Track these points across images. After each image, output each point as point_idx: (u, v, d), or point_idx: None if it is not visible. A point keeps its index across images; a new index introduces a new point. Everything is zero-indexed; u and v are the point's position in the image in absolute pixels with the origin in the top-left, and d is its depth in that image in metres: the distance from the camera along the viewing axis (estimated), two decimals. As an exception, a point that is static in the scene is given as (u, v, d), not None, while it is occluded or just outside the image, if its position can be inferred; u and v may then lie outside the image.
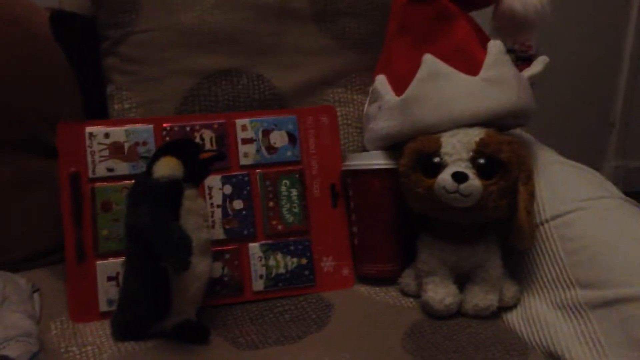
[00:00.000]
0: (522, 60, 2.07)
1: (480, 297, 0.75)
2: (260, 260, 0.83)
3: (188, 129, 0.84)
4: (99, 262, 0.78)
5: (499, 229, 0.77)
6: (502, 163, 0.71)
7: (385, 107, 0.82)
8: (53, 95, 0.90)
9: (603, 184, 0.79)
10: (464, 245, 0.76)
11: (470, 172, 0.70)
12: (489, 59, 0.78)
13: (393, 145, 0.83)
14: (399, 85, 0.81)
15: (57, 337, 0.72)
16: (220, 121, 0.85)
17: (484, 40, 0.81)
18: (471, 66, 0.78)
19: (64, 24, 0.94)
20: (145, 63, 0.90)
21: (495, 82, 0.77)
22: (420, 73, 0.78)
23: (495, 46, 0.79)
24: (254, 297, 0.82)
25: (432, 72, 0.77)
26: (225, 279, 0.81)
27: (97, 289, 0.78)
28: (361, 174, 0.83)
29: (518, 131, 0.90)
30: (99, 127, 0.82)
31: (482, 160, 0.71)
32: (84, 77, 0.94)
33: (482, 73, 0.77)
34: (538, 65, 0.87)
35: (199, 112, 0.89)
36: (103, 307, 0.77)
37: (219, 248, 0.81)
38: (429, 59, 0.78)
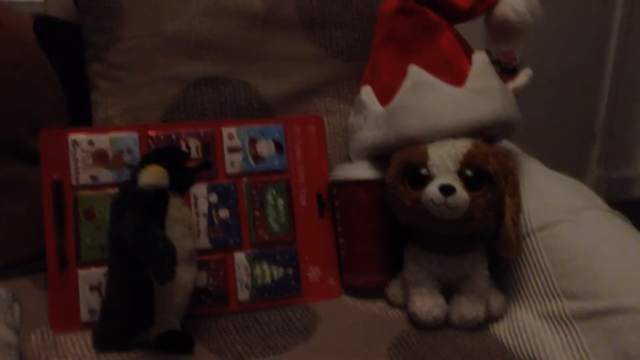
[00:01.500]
0: (506, 71, 2.09)
1: (467, 308, 0.74)
2: (246, 270, 0.82)
3: (174, 137, 0.83)
4: (81, 271, 0.77)
5: (486, 239, 0.77)
6: (489, 175, 0.71)
7: (371, 117, 0.82)
8: (36, 100, 0.89)
9: (589, 195, 0.79)
10: (451, 256, 0.76)
11: (458, 184, 0.70)
12: (473, 69, 0.78)
13: (378, 156, 0.82)
14: (385, 96, 0.81)
15: (38, 348, 0.70)
16: (206, 129, 0.84)
17: (468, 52, 0.82)
18: (456, 77, 0.78)
19: (49, 30, 0.92)
20: (130, 70, 0.89)
21: (481, 93, 0.77)
22: (406, 83, 0.78)
23: (479, 57, 0.80)
24: (240, 307, 0.81)
25: (418, 82, 0.78)
26: (211, 288, 0.81)
27: (78, 298, 0.76)
28: (347, 185, 0.83)
29: (504, 142, 0.91)
30: (82, 134, 0.81)
31: (469, 172, 0.71)
32: (68, 83, 0.93)
33: (468, 84, 0.77)
34: (522, 78, 0.88)
35: (185, 119, 0.89)
36: (85, 317, 0.76)
37: (204, 257, 0.80)
38: (414, 70, 0.78)
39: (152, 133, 0.83)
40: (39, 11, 0.98)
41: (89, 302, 0.76)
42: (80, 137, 0.80)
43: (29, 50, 0.89)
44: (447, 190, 0.69)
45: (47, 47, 0.91)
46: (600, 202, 0.78)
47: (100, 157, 0.80)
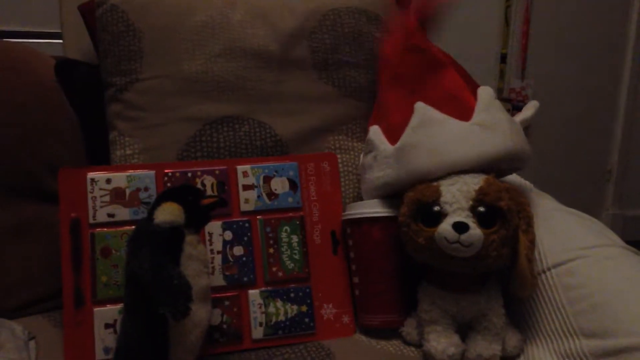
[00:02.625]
0: (518, 109, 2.10)
1: (484, 347, 0.74)
2: (260, 308, 0.82)
3: (189, 174, 0.84)
4: (96, 308, 0.78)
5: (501, 276, 0.77)
6: (502, 211, 0.70)
7: (381, 156, 0.82)
8: (55, 141, 0.91)
9: (604, 231, 0.79)
10: (466, 294, 0.75)
11: (471, 222, 0.70)
12: (480, 104, 0.79)
13: (390, 195, 0.83)
14: (393, 134, 0.82)
15: (52, 386, 0.70)
16: (221, 167, 0.86)
17: (474, 87, 0.82)
18: (463, 112, 0.78)
19: (69, 72, 0.95)
20: (148, 110, 0.91)
21: (488, 127, 0.77)
22: (413, 121, 0.79)
23: (485, 91, 0.80)
24: (253, 345, 0.81)
25: (425, 119, 0.78)
26: (225, 326, 0.80)
27: (94, 336, 0.77)
28: (361, 223, 0.83)
29: (517, 178, 0.91)
30: (100, 172, 0.82)
31: (482, 209, 0.71)
32: (87, 123, 0.95)
33: (474, 118, 0.78)
34: (529, 110, 0.88)
35: (201, 158, 0.90)
36: (100, 355, 0.76)
37: (218, 295, 0.81)
38: (420, 107, 0.79)
39: (168, 171, 0.84)
40: (60, 53, 1.01)
41: (104, 340, 0.76)
42: (98, 175, 0.82)
43: (49, 92, 0.92)
44: (460, 227, 0.69)
45: (67, 88, 0.93)
46: (615, 238, 0.78)
47: (117, 195, 0.81)
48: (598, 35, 2.20)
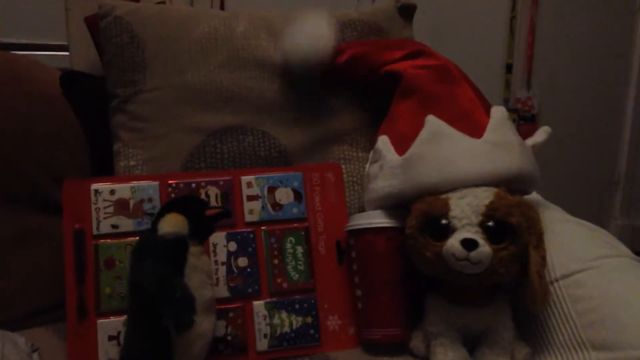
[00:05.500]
0: (524, 119, 2.09)
1: (492, 360, 0.73)
2: (265, 319, 0.81)
3: (193, 185, 0.84)
4: (100, 320, 0.77)
5: (509, 289, 0.76)
6: (513, 227, 0.69)
7: (387, 166, 0.82)
8: (59, 152, 0.91)
9: (612, 242, 0.78)
10: (474, 307, 0.74)
11: (480, 238, 0.68)
12: (492, 123, 0.78)
13: (393, 207, 0.82)
14: (402, 145, 0.81)
15: (55, 399, 0.70)
16: (225, 178, 0.85)
17: (486, 105, 0.82)
18: (474, 129, 0.78)
19: (74, 84, 0.95)
20: (152, 120, 0.91)
21: (499, 146, 0.77)
22: (423, 133, 0.79)
23: (498, 111, 0.80)
24: (258, 357, 0.80)
25: (435, 132, 0.78)
26: (229, 338, 0.80)
27: (97, 348, 0.76)
28: (364, 233, 0.82)
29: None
30: (104, 183, 0.82)
31: (491, 224, 0.69)
32: (92, 135, 0.95)
33: (486, 136, 0.77)
34: (541, 135, 0.87)
35: (205, 169, 0.90)
36: (103, 367, 0.75)
37: (222, 306, 0.80)
38: (432, 120, 0.78)
39: (172, 182, 0.84)
40: (66, 65, 1.01)
41: (107, 352, 0.76)
42: (102, 186, 0.81)
43: (54, 103, 0.92)
44: (469, 244, 0.68)
45: (72, 99, 0.94)
46: (624, 248, 0.77)
47: (121, 206, 0.81)
48: (604, 45, 2.19)
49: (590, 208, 2.30)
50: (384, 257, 0.80)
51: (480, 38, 2.05)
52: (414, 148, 0.79)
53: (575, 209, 0.90)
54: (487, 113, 0.80)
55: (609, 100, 2.27)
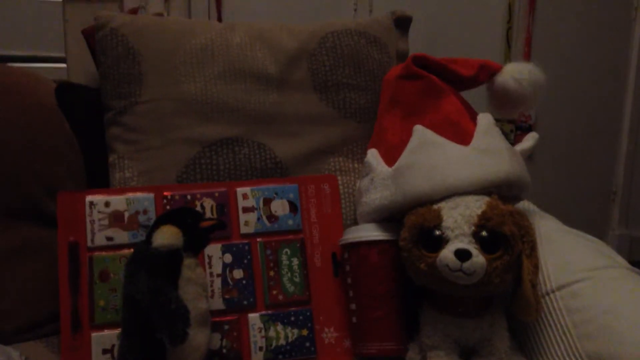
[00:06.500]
0: (521, 129, 2.10)
1: (488, 372, 0.72)
2: (260, 332, 0.81)
3: (189, 197, 0.84)
4: (94, 333, 0.77)
5: (504, 299, 0.76)
6: (506, 237, 0.69)
7: (378, 178, 0.82)
8: (54, 164, 0.90)
9: (608, 253, 0.78)
10: (469, 318, 0.74)
11: (473, 248, 0.68)
12: (479, 129, 0.79)
13: (386, 219, 0.82)
14: (391, 157, 0.81)
15: (48, 413, 0.69)
16: (221, 190, 0.85)
17: (473, 115, 0.82)
18: (461, 137, 0.78)
19: (69, 95, 0.95)
20: (147, 132, 0.91)
21: (487, 152, 0.77)
22: (412, 143, 0.79)
23: (484, 118, 0.80)
24: (253, 371, 0.80)
25: (423, 141, 0.78)
26: (224, 351, 0.79)
27: (91, 362, 0.76)
28: (358, 246, 0.81)
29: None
30: (99, 195, 0.82)
31: (484, 234, 0.69)
32: (87, 147, 0.95)
33: (474, 143, 0.77)
34: (529, 141, 0.88)
35: (200, 180, 0.90)
36: (97, 380, 0.75)
37: (218, 319, 0.79)
38: (419, 129, 0.79)
39: (167, 194, 0.83)
40: (64, 76, 1.01)
41: (101, 365, 0.75)
42: (97, 198, 0.81)
43: (49, 115, 0.92)
44: (462, 255, 0.67)
45: (67, 111, 0.93)
46: (620, 259, 0.77)
47: (116, 218, 0.81)
48: (600, 56, 2.20)
49: (588, 218, 2.30)
50: (377, 270, 0.80)
51: (476, 48, 2.05)
52: (403, 158, 0.79)
53: (573, 220, 0.89)
54: (474, 121, 0.80)
55: (605, 110, 2.27)
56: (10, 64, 0.97)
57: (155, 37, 0.93)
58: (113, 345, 0.76)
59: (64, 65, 1.10)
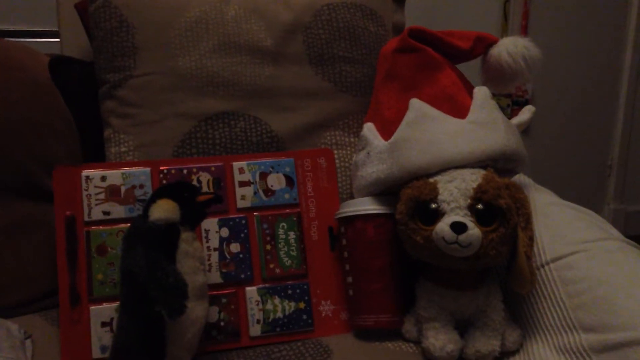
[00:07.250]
0: (517, 104, 2.09)
1: (482, 343, 0.73)
2: (258, 305, 0.82)
3: (185, 171, 0.84)
4: (92, 307, 0.77)
5: (500, 271, 0.76)
6: (501, 209, 0.69)
7: (374, 152, 0.82)
8: (49, 139, 0.90)
9: (603, 225, 0.78)
10: (464, 291, 0.75)
11: (469, 221, 0.69)
12: (475, 103, 0.78)
13: (382, 192, 0.82)
14: (387, 130, 0.81)
15: (48, 385, 0.70)
16: (217, 164, 0.85)
17: (469, 88, 0.82)
18: (458, 110, 0.78)
19: (63, 69, 0.95)
20: (142, 106, 0.90)
21: (483, 125, 0.77)
22: (408, 116, 0.79)
23: (481, 91, 0.80)
24: (251, 343, 0.80)
25: (420, 114, 0.78)
26: (222, 323, 0.80)
27: (90, 335, 0.76)
28: (353, 221, 0.81)
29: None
30: (95, 170, 0.82)
31: (480, 207, 0.70)
32: (82, 121, 0.94)
33: (470, 116, 0.77)
34: (525, 114, 0.88)
35: (196, 154, 0.89)
36: (96, 353, 0.76)
37: (215, 292, 0.80)
38: (415, 103, 0.78)
39: (163, 168, 0.83)
40: (57, 51, 1.00)
41: (100, 338, 0.76)
42: (93, 173, 0.81)
43: (43, 90, 0.91)
44: (458, 228, 0.68)
45: (61, 86, 0.93)
46: (614, 232, 0.77)
47: (112, 193, 0.81)
48: (598, 29, 2.19)
49: (583, 193, 2.31)
50: (373, 244, 0.80)
51: (473, 22, 2.04)
52: (400, 131, 0.79)
53: (569, 194, 0.90)
54: (471, 95, 0.80)
55: (602, 85, 2.27)
56: (2, 39, 0.96)
57: (149, 10, 0.92)
58: (112, 319, 0.77)
59: (57, 39, 1.09)
